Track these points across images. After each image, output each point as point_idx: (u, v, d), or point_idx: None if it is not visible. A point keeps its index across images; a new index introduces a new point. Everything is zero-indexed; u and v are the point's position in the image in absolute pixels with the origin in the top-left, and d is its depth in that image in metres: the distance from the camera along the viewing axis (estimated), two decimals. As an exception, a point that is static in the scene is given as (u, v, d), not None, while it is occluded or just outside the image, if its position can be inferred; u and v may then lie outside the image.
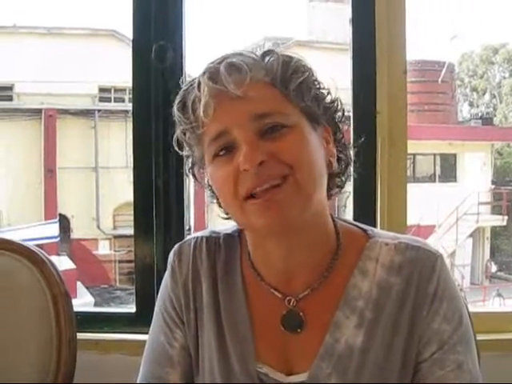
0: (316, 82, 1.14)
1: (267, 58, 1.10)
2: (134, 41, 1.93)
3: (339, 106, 1.17)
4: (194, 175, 1.20)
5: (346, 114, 1.19)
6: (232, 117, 1.06)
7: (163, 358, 1.20)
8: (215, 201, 1.20)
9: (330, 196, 1.17)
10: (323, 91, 1.15)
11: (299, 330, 1.13)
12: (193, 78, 1.13)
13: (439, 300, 1.10)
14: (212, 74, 1.07)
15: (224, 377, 1.14)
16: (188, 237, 1.26)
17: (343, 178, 1.18)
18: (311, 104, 1.11)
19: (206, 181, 1.19)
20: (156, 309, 1.26)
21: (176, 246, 1.25)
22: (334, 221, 1.17)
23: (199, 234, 1.25)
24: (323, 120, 1.13)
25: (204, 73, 1.09)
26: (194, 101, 1.09)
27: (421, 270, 1.11)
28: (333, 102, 1.16)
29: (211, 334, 1.17)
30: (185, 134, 1.14)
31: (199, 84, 1.09)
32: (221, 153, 1.08)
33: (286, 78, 1.09)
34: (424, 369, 1.09)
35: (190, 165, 1.19)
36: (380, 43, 1.85)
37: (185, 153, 1.18)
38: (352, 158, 1.20)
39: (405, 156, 1.89)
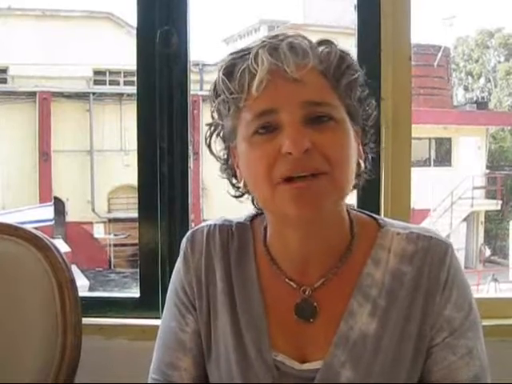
0: (363, 84, 1.13)
1: (322, 47, 1.09)
2: (138, 26, 1.91)
3: (374, 113, 1.17)
4: (209, 145, 1.17)
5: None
6: (284, 98, 1.05)
7: (175, 344, 1.20)
8: (225, 176, 1.19)
9: None
10: (366, 95, 1.15)
11: (311, 320, 1.13)
12: (245, 47, 1.11)
13: (450, 288, 1.12)
14: (272, 49, 1.05)
15: (240, 364, 1.14)
16: (200, 224, 1.25)
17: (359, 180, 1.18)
18: (355, 104, 1.11)
19: (221, 154, 1.17)
20: (168, 295, 1.25)
21: (189, 233, 1.25)
22: (347, 210, 1.17)
23: (212, 221, 1.24)
24: (360, 122, 1.14)
25: (263, 46, 1.06)
26: (244, 71, 1.06)
27: (432, 259, 1.12)
28: (371, 107, 1.16)
29: (226, 321, 1.17)
30: (220, 102, 1.11)
31: (256, 55, 1.05)
32: (260, 131, 1.06)
33: (340, 71, 1.09)
34: (435, 353, 1.11)
35: (209, 133, 1.17)
36: (385, 29, 1.84)
37: (212, 120, 1.15)
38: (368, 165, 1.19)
39: (409, 142, 1.88)
